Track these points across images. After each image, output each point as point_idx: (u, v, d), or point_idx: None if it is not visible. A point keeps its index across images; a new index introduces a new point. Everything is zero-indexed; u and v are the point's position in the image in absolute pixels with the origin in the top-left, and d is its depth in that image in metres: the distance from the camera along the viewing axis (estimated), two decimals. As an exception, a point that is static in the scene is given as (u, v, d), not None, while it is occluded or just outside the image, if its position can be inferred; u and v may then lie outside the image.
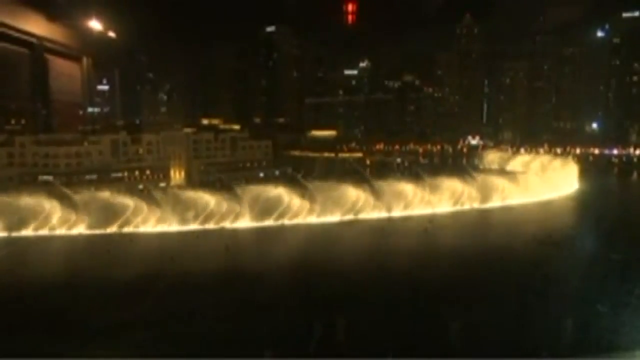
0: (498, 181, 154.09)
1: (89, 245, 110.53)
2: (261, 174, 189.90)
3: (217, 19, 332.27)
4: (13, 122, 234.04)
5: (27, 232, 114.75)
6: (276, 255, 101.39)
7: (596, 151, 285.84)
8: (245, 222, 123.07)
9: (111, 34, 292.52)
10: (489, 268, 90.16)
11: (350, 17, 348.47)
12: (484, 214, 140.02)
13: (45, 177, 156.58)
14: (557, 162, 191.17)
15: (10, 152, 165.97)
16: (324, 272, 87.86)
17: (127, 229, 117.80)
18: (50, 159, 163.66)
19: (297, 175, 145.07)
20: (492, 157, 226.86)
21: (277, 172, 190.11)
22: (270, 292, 78.00)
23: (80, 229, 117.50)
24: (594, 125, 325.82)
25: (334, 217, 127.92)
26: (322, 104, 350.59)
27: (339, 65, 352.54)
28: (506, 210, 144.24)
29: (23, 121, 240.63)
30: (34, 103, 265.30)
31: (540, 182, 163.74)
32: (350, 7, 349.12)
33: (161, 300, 74.46)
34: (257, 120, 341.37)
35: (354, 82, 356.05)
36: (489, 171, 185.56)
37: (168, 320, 67.27)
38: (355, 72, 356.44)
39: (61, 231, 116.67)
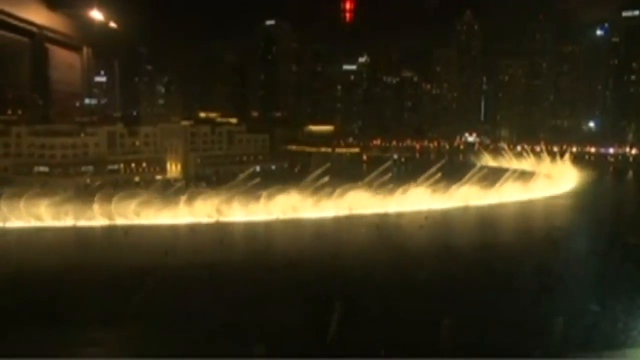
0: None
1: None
2: (257, 168, 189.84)
3: (217, 12, 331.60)
4: (10, 112, 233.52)
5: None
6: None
7: (592, 150, 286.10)
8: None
9: (112, 25, 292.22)
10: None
11: (347, 15, 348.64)
12: (482, 212, 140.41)
13: (41, 168, 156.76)
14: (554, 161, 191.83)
15: (6, 142, 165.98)
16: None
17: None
18: (47, 150, 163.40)
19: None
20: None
21: (273, 167, 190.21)
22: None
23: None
24: (591, 124, 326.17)
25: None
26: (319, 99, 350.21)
27: (337, 60, 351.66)
28: (503, 207, 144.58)
29: (20, 111, 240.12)
30: (32, 93, 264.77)
31: (535, 180, 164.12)
32: (348, 5, 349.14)
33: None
34: (255, 114, 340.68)
35: (352, 78, 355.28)
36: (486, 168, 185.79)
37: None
38: (354, 67, 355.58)
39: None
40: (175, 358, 55.92)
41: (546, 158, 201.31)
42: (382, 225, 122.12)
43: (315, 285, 78.65)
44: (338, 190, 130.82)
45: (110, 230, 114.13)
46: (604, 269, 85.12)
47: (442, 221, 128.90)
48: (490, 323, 63.33)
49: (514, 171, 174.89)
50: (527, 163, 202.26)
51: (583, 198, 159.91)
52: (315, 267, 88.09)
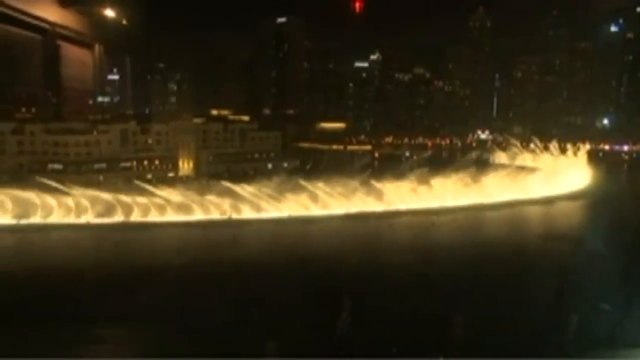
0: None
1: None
2: (269, 165, 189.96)
3: (229, 9, 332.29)
4: (24, 110, 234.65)
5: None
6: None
7: (607, 147, 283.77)
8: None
9: (124, 22, 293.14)
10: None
11: (357, 5, 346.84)
12: (495, 210, 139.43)
13: (55, 166, 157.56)
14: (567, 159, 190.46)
15: (21, 140, 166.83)
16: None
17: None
18: (60, 148, 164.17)
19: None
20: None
21: (285, 164, 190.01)
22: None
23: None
24: (605, 121, 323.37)
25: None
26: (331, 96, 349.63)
27: (349, 58, 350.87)
28: (516, 205, 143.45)
29: (34, 109, 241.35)
30: (45, 91, 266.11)
31: (550, 178, 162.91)
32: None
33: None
34: (267, 111, 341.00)
35: (364, 75, 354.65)
36: (499, 166, 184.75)
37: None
38: (365, 64, 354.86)
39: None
40: (177, 358, 56.10)
41: (560, 155, 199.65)
42: (393, 223, 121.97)
43: (327, 283, 78.76)
44: (353, 188, 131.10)
45: (125, 227, 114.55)
46: (622, 266, 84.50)
47: (454, 219, 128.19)
48: (502, 322, 63.38)
49: (527, 169, 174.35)
50: (540, 160, 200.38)
51: (598, 195, 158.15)
52: (325, 265, 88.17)
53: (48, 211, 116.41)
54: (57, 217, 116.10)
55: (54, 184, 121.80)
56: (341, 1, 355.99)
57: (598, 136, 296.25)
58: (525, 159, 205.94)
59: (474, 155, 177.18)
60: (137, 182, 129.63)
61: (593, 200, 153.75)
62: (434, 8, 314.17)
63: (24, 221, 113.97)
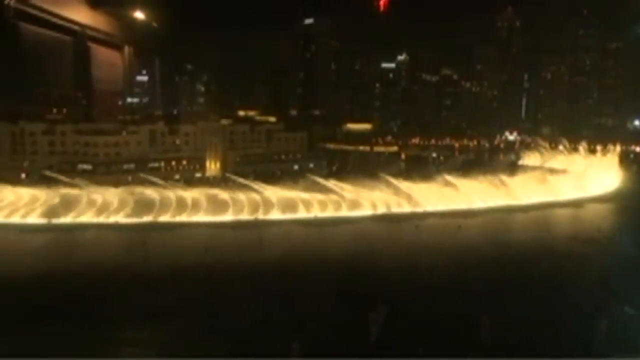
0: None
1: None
2: (295, 167, 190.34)
3: (256, 10, 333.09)
4: (55, 110, 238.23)
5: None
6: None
7: (638, 149, 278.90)
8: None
9: (153, 24, 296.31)
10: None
11: (382, 4, 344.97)
12: (523, 212, 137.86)
13: (85, 166, 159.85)
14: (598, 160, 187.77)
15: (52, 140, 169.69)
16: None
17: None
18: (90, 148, 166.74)
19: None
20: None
21: (311, 165, 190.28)
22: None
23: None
24: (637, 122, 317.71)
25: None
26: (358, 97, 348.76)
27: (376, 58, 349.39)
28: (543, 208, 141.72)
29: (64, 110, 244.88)
30: (76, 92, 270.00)
31: (579, 180, 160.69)
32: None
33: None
34: (293, 112, 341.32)
35: (391, 76, 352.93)
36: (527, 168, 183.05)
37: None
38: (392, 65, 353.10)
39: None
40: (202, 358, 56.34)
41: (589, 157, 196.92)
42: (420, 224, 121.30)
43: (352, 284, 78.78)
44: (379, 189, 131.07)
45: (153, 227, 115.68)
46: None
47: (481, 222, 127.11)
48: (530, 323, 63.31)
49: (557, 170, 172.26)
50: (570, 162, 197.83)
51: (629, 198, 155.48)
52: (351, 267, 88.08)
53: (78, 211, 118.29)
54: (87, 217, 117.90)
55: (64, 180, 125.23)
56: (369, 2, 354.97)
57: (629, 137, 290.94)
58: (554, 160, 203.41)
59: (502, 157, 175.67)
60: (143, 175, 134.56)
61: (624, 203, 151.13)
62: (461, 8, 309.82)
63: (54, 220, 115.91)
